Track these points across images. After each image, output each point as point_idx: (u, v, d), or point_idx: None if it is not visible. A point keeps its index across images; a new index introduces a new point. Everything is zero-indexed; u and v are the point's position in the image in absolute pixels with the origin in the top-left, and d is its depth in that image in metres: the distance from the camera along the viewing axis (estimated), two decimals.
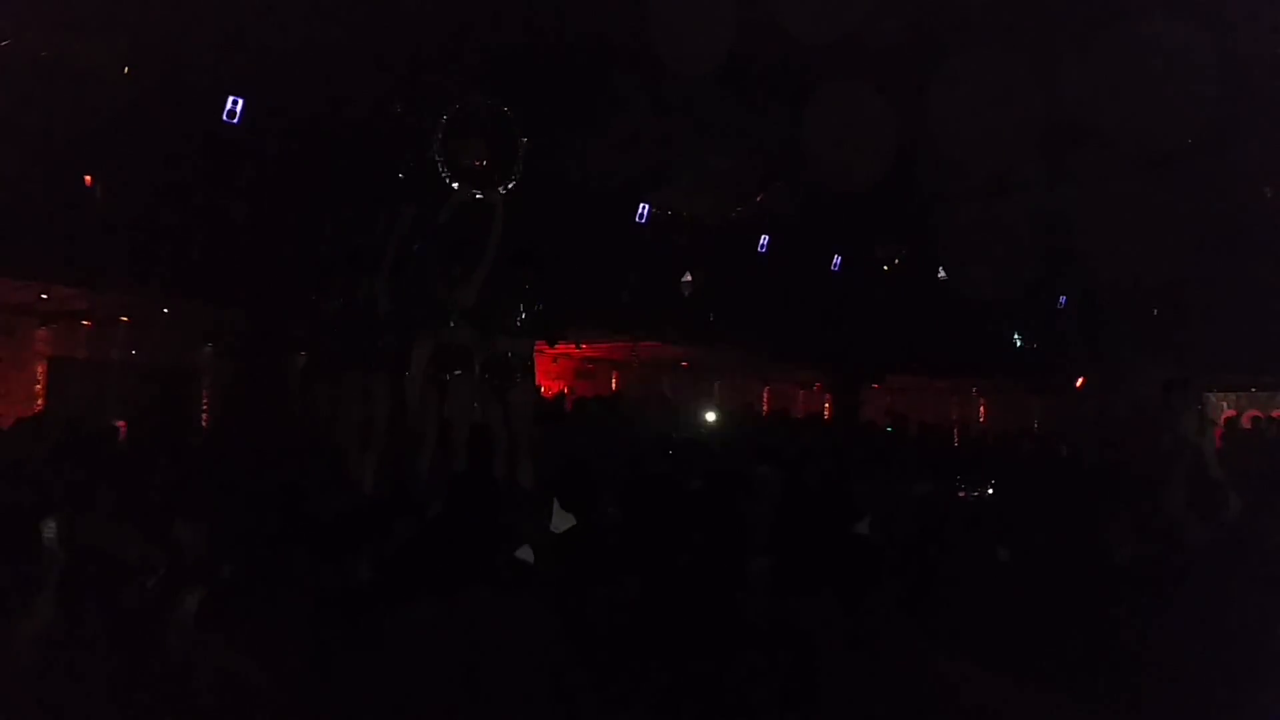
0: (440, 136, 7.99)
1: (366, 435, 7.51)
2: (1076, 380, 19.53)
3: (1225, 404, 19.73)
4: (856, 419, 17.24)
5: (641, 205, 13.73)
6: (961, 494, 7.64)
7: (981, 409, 22.32)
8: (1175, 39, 10.47)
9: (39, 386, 12.59)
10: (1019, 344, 19.17)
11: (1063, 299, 18.26)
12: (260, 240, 10.43)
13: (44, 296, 11.99)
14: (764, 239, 15.19)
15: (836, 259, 16.12)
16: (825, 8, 9.96)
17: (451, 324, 7.52)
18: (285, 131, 10.72)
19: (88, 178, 10.25)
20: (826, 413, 18.91)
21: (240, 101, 10.33)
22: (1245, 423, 18.31)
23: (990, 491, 8.09)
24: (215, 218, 10.40)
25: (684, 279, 14.84)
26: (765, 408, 18.95)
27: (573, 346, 15.58)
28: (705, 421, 13.60)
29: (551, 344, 12.19)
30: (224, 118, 10.30)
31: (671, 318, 14.57)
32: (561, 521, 4.53)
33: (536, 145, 11.92)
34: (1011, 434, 17.80)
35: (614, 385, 17.64)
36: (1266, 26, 10.95)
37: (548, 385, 15.86)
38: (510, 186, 7.99)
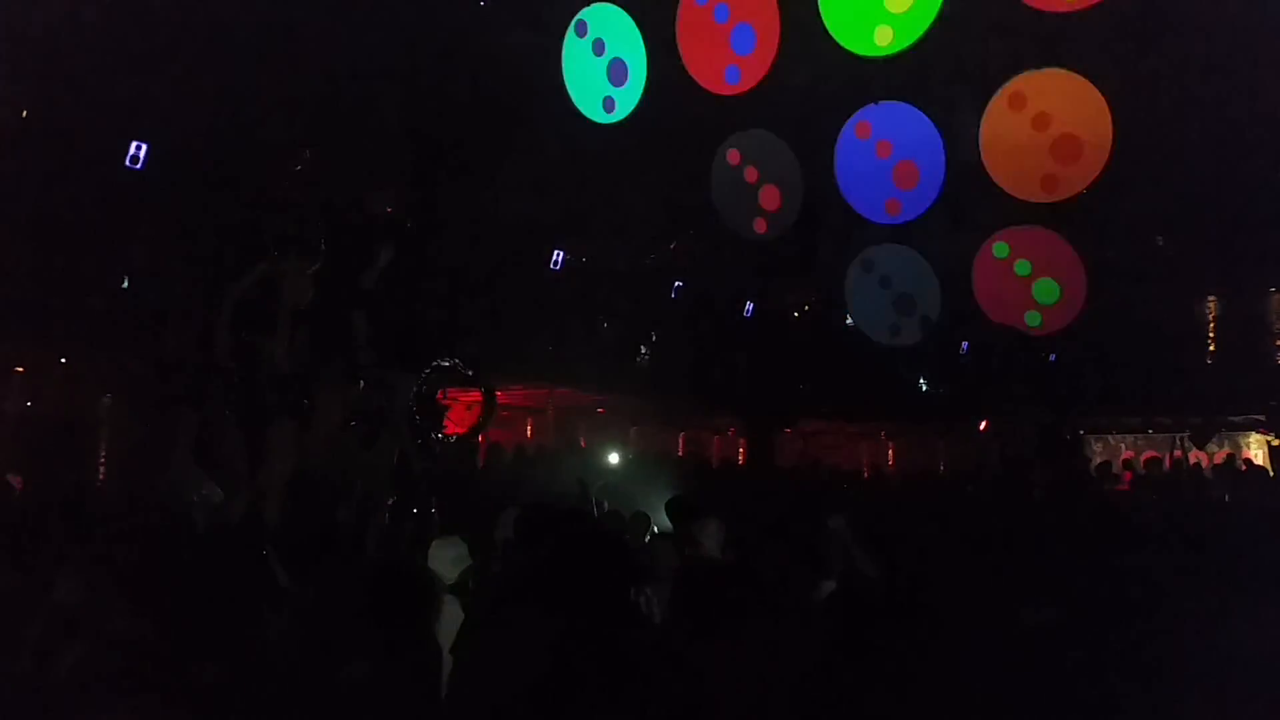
0: None
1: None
2: (980, 423, 19.97)
3: (1124, 446, 20.38)
4: (771, 463, 17.38)
5: (556, 252, 13.72)
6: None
7: (890, 451, 22.68)
8: None
9: None
10: (925, 388, 19.54)
11: (965, 344, 18.68)
12: (163, 288, 10.15)
13: None
14: (677, 285, 15.29)
15: (749, 305, 16.29)
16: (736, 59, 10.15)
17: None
18: (191, 178, 10.46)
19: None
20: (741, 458, 19.04)
21: (144, 146, 10.04)
22: (1141, 465, 18.92)
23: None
24: (117, 265, 10.09)
25: (600, 325, 14.86)
26: (680, 452, 19.02)
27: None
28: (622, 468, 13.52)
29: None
30: (127, 163, 10.01)
31: (587, 364, 14.53)
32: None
33: (453, 191, 11.91)
34: (916, 475, 18.20)
35: (529, 432, 17.49)
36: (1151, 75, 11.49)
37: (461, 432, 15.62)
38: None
